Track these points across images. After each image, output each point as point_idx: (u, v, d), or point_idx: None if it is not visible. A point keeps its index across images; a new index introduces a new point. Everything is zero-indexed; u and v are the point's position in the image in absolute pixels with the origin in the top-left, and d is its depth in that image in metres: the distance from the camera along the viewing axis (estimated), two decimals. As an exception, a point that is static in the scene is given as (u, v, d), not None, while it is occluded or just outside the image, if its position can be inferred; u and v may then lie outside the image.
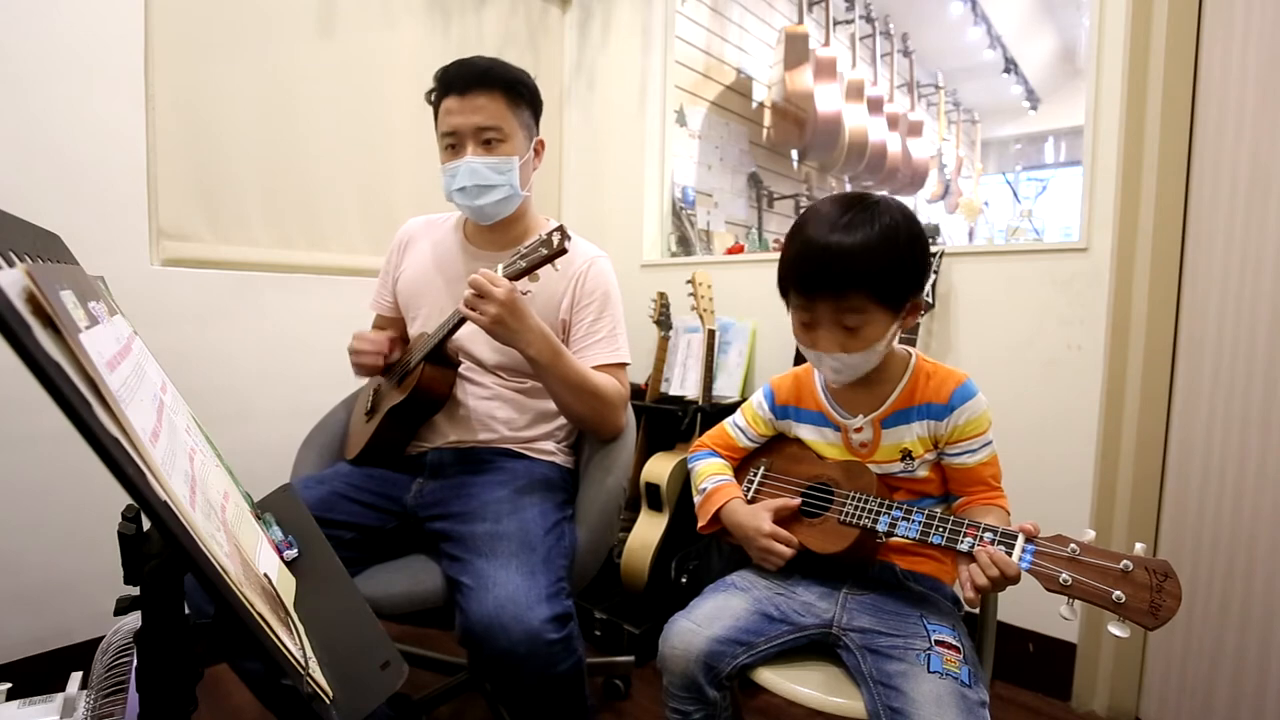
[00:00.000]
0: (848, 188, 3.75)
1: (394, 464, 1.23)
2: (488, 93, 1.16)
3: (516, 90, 1.18)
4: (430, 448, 1.23)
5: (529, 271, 1.04)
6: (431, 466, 1.22)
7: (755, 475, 1.06)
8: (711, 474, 1.06)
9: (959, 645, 0.84)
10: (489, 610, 0.91)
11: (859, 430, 0.95)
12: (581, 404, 1.16)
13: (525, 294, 1.21)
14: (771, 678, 0.89)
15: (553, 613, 0.93)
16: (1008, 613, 1.55)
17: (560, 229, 1.01)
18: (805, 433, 1.03)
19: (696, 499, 1.07)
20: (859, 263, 0.83)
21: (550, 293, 1.22)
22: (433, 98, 1.21)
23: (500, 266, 1.06)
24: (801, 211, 0.93)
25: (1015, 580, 0.74)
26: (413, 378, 1.16)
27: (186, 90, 1.60)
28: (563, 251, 1.01)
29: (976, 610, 0.87)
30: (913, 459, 0.92)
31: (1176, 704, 1.35)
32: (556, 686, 0.95)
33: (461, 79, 1.16)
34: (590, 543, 1.15)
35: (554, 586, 0.98)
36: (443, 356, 1.17)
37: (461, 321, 1.09)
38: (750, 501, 1.03)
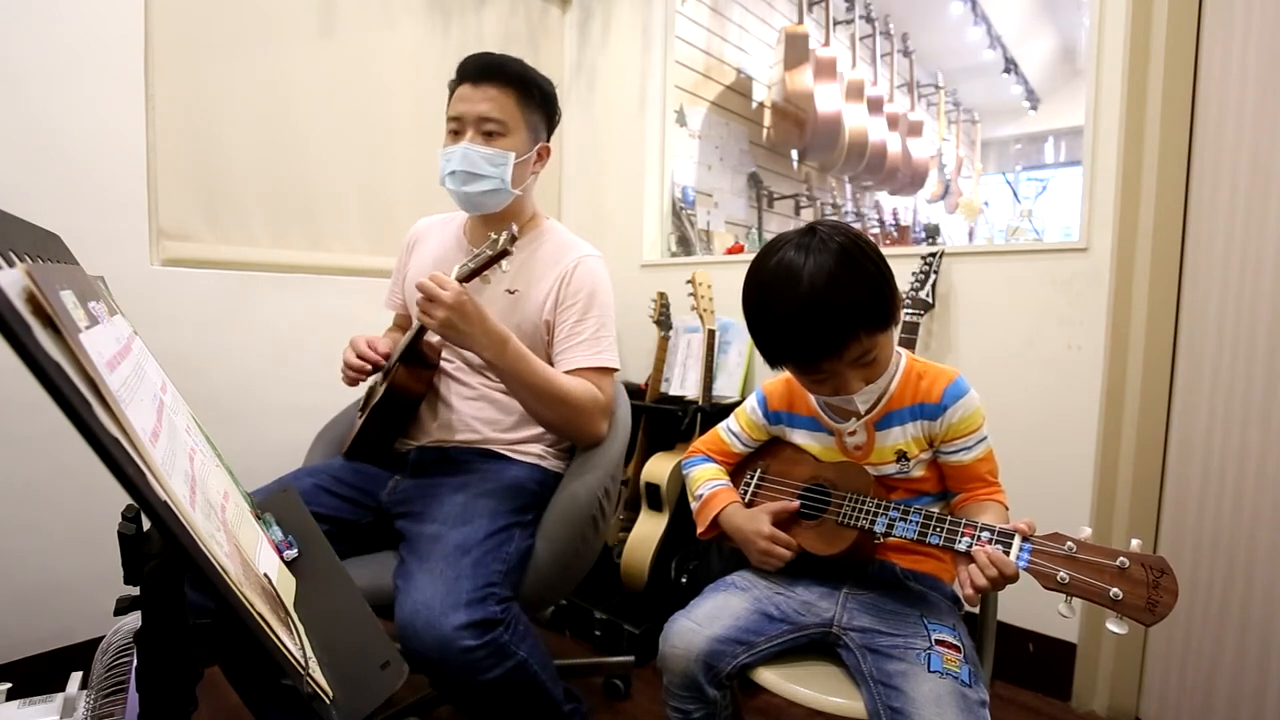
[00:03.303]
0: (848, 188, 3.75)
1: (382, 460, 1.25)
2: (499, 85, 1.17)
3: (528, 89, 1.19)
4: (415, 445, 1.24)
5: (478, 273, 1.05)
6: (413, 464, 1.22)
7: (752, 478, 1.06)
8: (707, 479, 1.06)
9: (959, 645, 0.84)
10: (406, 615, 0.91)
11: (852, 434, 0.95)
12: (549, 410, 1.14)
13: (513, 293, 1.21)
14: (771, 677, 0.89)
15: (469, 619, 0.90)
16: (1008, 613, 1.55)
17: (510, 230, 1.02)
18: (800, 438, 1.02)
19: (693, 505, 1.07)
20: (847, 309, 0.80)
21: (536, 293, 1.22)
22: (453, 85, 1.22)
23: (455, 269, 1.06)
24: (751, 287, 0.88)
25: (1014, 579, 0.74)
26: (389, 377, 1.19)
27: (186, 90, 1.60)
28: (505, 253, 1.03)
29: (976, 609, 0.87)
30: (908, 460, 0.92)
31: (1176, 704, 1.35)
32: (492, 693, 0.93)
33: (478, 68, 1.17)
34: (549, 549, 1.11)
35: (479, 592, 0.94)
36: (418, 356, 1.19)
37: (423, 327, 1.10)
38: (748, 504, 1.03)
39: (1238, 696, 1.22)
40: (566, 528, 1.14)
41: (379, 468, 1.24)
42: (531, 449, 1.24)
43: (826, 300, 0.80)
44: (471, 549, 1.00)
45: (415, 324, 1.14)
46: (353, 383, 1.25)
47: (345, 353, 1.24)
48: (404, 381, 1.19)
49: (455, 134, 1.19)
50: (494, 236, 1.03)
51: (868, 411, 0.92)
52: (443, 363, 1.25)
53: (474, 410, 1.22)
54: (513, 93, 1.18)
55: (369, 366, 1.21)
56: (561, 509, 1.16)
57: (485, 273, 1.05)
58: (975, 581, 0.74)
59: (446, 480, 1.16)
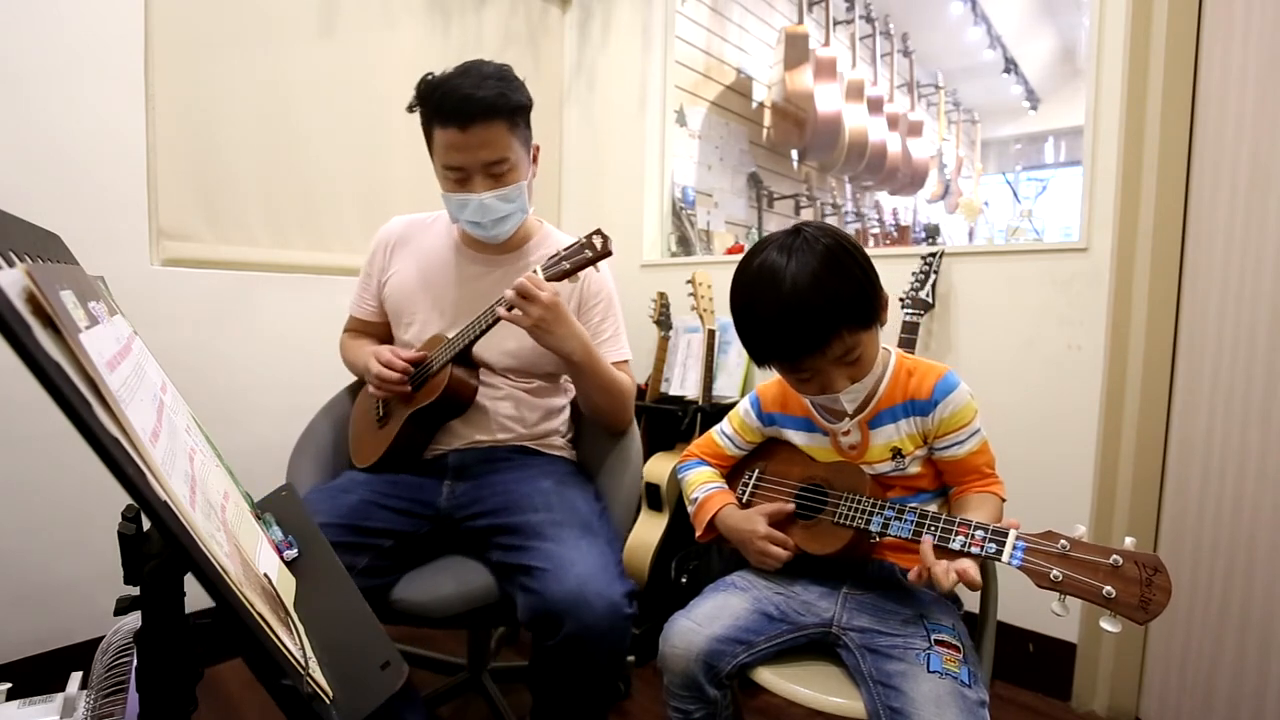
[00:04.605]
0: (848, 188, 3.75)
1: (413, 468, 1.22)
2: (490, 124, 1.11)
3: (513, 115, 1.14)
4: (450, 450, 1.23)
5: (572, 273, 1.06)
6: (455, 468, 1.22)
7: (750, 478, 1.06)
8: (702, 482, 1.07)
9: (959, 645, 0.84)
10: (571, 588, 0.94)
11: (846, 433, 0.95)
12: (606, 400, 1.21)
13: None
14: (771, 677, 0.89)
15: (626, 589, 0.98)
16: (1008, 613, 1.55)
17: (600, 232, 1.04)
18: (795, 438, 1.03)
19: (690, 509, 1.07)
20: (829, 308, 0.81)
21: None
22: (416, 109, 1.17)
23: (539, 269, 1.07)
24: (737, 285, 0.89)
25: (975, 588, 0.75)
26: (439, 380, 1.15)
27: (186, 90, 1.60)
28: (608, 254, 1.05)
29: (971, 590, 0.87)
30: (903, 457, 0.92)
31: (1176, 704, 1.35)
32: (619, 663, 0.99)
33: (462, 112, 1.09)
34: (619, 529, 1.18)
35: (620, 566, 1.03)
36: (468, 359, 1.18)
37: (494, 323, 1.10)
38: (745, 505, 1.03)
39: (1238, 696, 1.22)
40: (628, 507, 1.23)
41: (414, 476, 1.21)
42: (554, 441, 1.29)
43: (809, 298, 0.81)
44: (597, 529, 1.07)
45: (476, 325, 1.13)
46: (390, 394, 1.22)
47: (371, 365, 1.19)
48: (460, 384, 1.16)
49: (458, 181, 1.16)
50: (582, 239, 1.06)
51: (859, 410, 0.92)
52: None
53: (505, 410, 1.24)
54: (503, 125, 1.12)
55: (407, 378, 1.19)
56: (625, 490, 1.24)
57: (579, 273, 1.07)
58: (966, 579, 0.74)
59: (509, 475, 1.18)
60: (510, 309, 1.06)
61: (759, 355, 0.89)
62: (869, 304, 0.84)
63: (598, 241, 1.04)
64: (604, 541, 1.04)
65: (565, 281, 1.08)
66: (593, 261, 1.05)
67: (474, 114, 1.10)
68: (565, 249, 1.07)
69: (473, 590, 1.07)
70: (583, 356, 1.12)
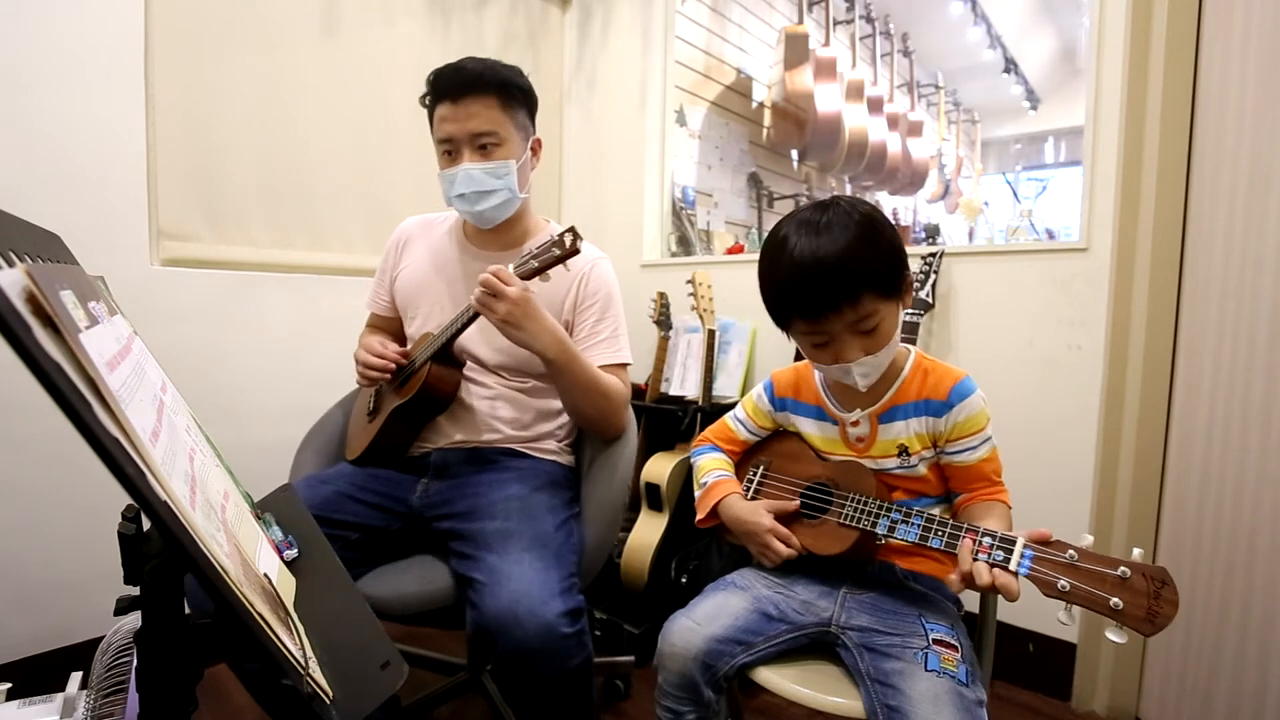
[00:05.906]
0: (848, 188, 3.75)
1: (397, 464, 1.23)
2: (481, 98, 1.15)
3: (509, 92, 1.17)
4: (434, 448, 1.23)
5: (541, 271, 1.06)
6: (436, 467, 1.22)
7: (754, 474, 1.06)
8: (713, 469, 1.07)
9: (957, 644, 0.84)
10: (504, 605, 0.92)
11: (856, 424, 0.95)
12: (590, 404, 1.18)
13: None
14: (770, 677, 0.89)
15: (566, 607, 0.94)
16: (1008, 613, 1.55)
17: (572, 230, 1.03)
18: (804, 425, 1.03)
19: (697, 492, 1.07)
20: (858, 265, 0.82)
21: (553, 293, 1.22)
22: (427, 101, 1.21)
23: (511, 266, 1.07)
24: (767, 243, 0.89)
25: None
26: (418, 377, 1.16)
27: (186, 90, 1.60)
28: (575, 252, 1.04)
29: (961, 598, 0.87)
30: (909, 455, 0.92)
31: (1176, 704, 1.35)
32: (567, 682, 0.96)
33: (454, 85, 1.15)
34: (596, 540, 1.16)
35: (566, 582, 0.99)
36: (449, 356, 1.18)
37: (471, 320, 1.10)
38: (751, 500, 1.03)
39: (1238, 696, 1.22)
40: (609, 516, 1.19)
41: (396, 472, 1.22)
42: (548, 445, 1.27)
43: (839, 254, 0.82)
44: (549, 542, 1.04)
45: (453, 323, 1.13)
46: (374, 384, 1.24)
47: (359, 355, 1.22)
48: (437, 381, 1.16)
49: (449, 155, 1.18)
50: (554, 235, 1.05)
51: (871, 403, 0.92)
52: None
53: (493, 409, 1.23)
54: (495, 100, 1.16)
55: (393, 366, 1.20)
56: (606, 499, 1.20)
57: (548, 271, 1.06)
58: (980, 580, 0.74)
59: (484, 478, 1.17)
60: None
61: (781, 311, 0.89)
62: (896, 274, 0.85)
63: (567, 239, 1.03)
64: (552, 555, 1.01)
65: (543, 279, 1.07)
66: (560, 260, 1.04)
67: (464, 85, 1.14)
68: (538, 246, 1.07)
69: (434, 591, 1.06)
70: (558, 354, 1.10)
